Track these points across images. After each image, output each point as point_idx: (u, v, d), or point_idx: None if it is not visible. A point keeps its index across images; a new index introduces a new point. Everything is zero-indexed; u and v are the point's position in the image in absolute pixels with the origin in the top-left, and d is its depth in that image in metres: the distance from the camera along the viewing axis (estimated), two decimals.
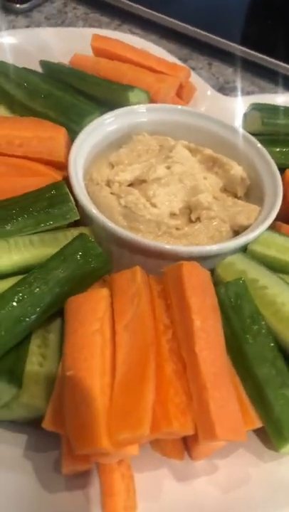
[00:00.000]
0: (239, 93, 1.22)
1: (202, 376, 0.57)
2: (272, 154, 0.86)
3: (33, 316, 0.63)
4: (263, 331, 0.65)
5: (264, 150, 0.86)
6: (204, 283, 0.65)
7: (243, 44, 1.25)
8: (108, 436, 0.53)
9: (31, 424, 0.63)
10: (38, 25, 1.34)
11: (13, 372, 0.59)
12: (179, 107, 0.92)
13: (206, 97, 1.09)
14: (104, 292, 0.65)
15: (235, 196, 0.86)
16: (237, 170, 0.85)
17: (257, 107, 0.97)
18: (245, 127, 0.95)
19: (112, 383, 0.58)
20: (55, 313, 0.67)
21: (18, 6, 1.35)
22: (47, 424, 0.58)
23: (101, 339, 0.60)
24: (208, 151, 0.88)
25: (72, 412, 0.56)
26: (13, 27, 1.31)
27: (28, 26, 1.33)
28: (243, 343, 0.64)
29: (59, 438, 0.59)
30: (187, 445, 0.63)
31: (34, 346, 0.65)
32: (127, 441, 0.54)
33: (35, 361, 0.64)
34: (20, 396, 0.60)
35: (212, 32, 1.27)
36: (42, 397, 0.61)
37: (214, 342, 0.61)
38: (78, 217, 0.74)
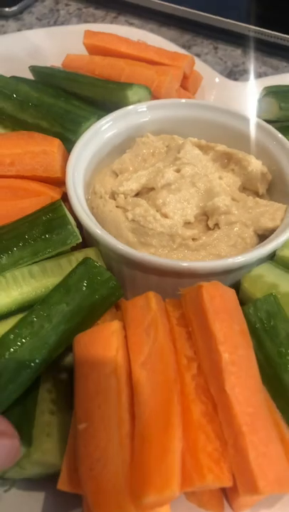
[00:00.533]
0: (251, 76, 1.12)
1: (237, 419, 0.49)
2: None
3: (38, 360, 0.56)
4: None
5: (284, 139, 0.77)
6: (229, 304, 0.57)
7: (249, 22, 1.15)
8: (132, 500, 0.46)
9: (50, 479, 0.55)
10: (30, 27, 1.27)
11: (20, 429, 0.52)
12: (183, 100, 0.82)
13: (214, 85, 1.01)
14: (115, 326, 0.57)
15: (257, 195, 0.77)
16: (256, 165, 0.76)
17: (272, 91, 0.88)
18: (260, 115, 0.85)
19: (132, 433, 0.50)
20: (67, 348, 0.60)
21: (6, 9, 1.27)
22: (63, 485, 0.51)
23: (116, 382, 0.53)
24: (222, 147, 0.79)
25: (88, 471, 0.49)
26: (4, 33, 1.24)
27: (19, 30, 1.26)
28: (280, 371, 0.56)
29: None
30: (227, 494, 0.54)
31: (44, 391, 0.59)
32: (154, 503, 0.46)
33: (46, 409, 0.57)
34: (31, 453, 0.53)
35: (214, 12, 1.17)
36: (56, 452, 0.55)
37: (247, 376, 0.52)
38: (80, 241, 0.65)
